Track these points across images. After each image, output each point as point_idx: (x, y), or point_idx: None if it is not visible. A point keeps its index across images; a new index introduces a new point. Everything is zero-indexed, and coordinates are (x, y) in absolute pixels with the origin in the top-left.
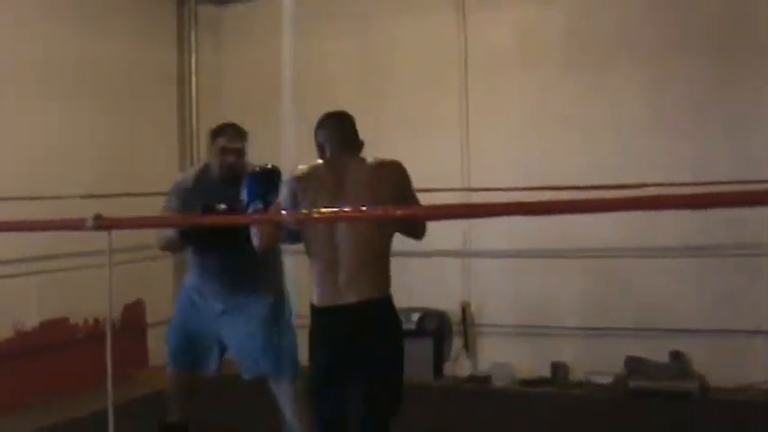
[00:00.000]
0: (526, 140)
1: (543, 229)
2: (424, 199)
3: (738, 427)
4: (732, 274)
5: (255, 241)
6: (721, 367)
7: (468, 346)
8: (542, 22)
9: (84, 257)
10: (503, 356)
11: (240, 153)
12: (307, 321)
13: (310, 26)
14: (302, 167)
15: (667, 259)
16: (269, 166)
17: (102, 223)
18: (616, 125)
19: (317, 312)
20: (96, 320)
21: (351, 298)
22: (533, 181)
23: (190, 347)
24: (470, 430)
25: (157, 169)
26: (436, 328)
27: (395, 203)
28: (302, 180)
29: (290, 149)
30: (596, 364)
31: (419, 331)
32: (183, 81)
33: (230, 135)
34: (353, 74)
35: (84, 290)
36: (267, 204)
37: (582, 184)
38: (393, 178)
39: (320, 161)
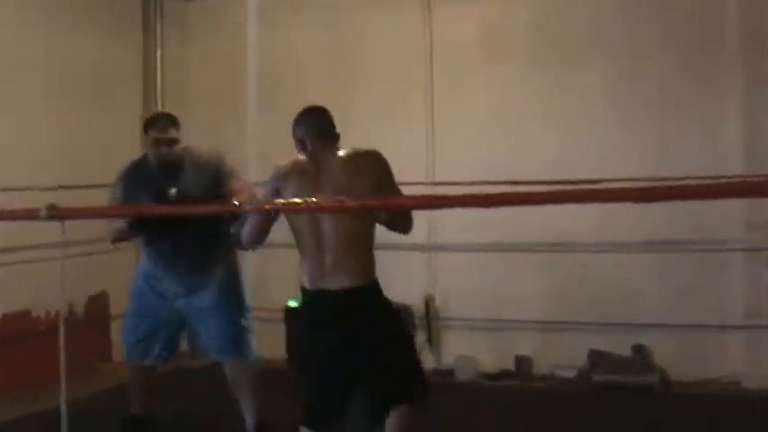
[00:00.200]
0: (490, 135)
1: (507, 224)
2: None
3: (699, 420)
4: (695, 268)
5: (246, 232)
6: (683, 361)
7: (432, 340)
8: (507, 17)
9: (46, 249)
10: (467, 350)
11: (172, 142)
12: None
13: (277, 19)
14: (284, 163)
15: (631, 254)
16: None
17: (55, 213)
18: (580, 121)
19: (307, 294)
20: (59, 313)
21: (336, 284)
22: (497, 176)
23: (145, 339)
24: (434, 424)
25: (122, 161)
26: None
27: (374, 194)
28: (284, 176)
29: (256, 142)
30: (560, 357)
31: None
32: (148, 75)
33: (161, 125)
34: (320, 67)
35: (47, 282)
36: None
37: (546, 179)
38: (372, 169)
39: (301, 156)
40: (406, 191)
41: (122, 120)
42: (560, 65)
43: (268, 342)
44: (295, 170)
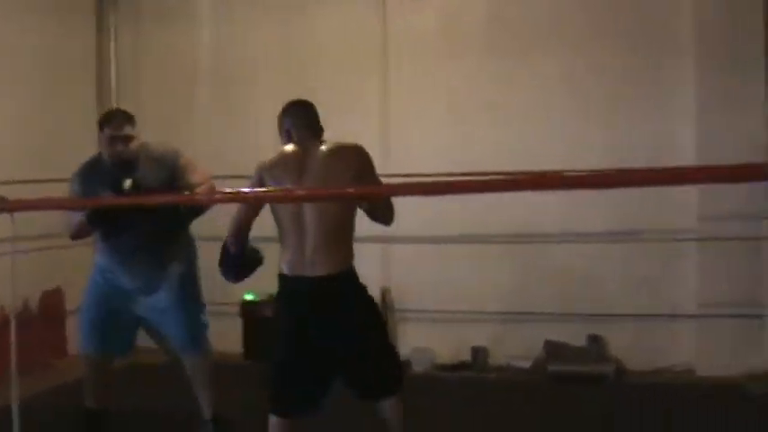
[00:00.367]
0: (447, 126)
1: (463, 214)
2: None
3: (653, 409)
4: (649, 259)
5: (229, 235)
6: (638, 351)
7: (388, 332)
8: (465, 7)
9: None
10: (423, 341)
11: (128, 140)
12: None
13: (231, 12)
14: (272, 156)
15: (585, 245)
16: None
17: (4, 206)
18: (537, 111)
19: (285, 280)
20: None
21: (316, 271)
22: (454, 167)
23: (102, 334)
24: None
25: (77, 155)
26: None
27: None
28: (269, 167)
29: (210, 135)
30: (516, 348)
31: None
32: (102, 67)
33: (117, 123)
34: (275, 60)
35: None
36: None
37: (503, 169)
38: (353, 162)
39: (286, 147)
40: None
41: (76, 113)
42: (517, 55)
43: (223, 336)
44: (280, 161)
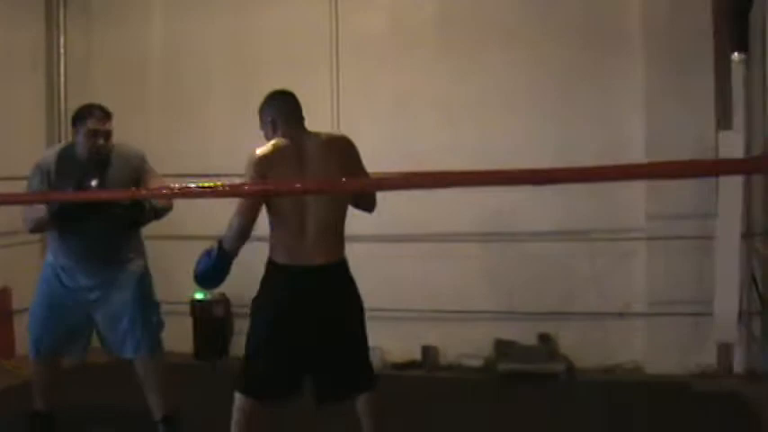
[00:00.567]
0: (397, 124)
1: (414, 214)
2: None
3: (604, 407)
4: (599, 258)
5: (234, 231)
6: (588, 349)
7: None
8: (416, 4)
9: None
10: (373, 340)
11: (109, 135)
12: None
13: (183, 8)
14: (263, 150)
15: (536, 243)
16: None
17: None
18: (488, 108)
19: (279, 269)
20: None
21: (315, 260)
22: (406, 165)
23: (55, 333)
24: (339, 415)
25: (23, 153)
26: None
27: (348, 176)
28: (269, 161)
29: (161, 132)
30: (466, 347)
31: None
32: (51, 63)
33: (99, 117)
34: (225, 58)
35: None
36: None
37: (455, 167)
38: (346, 153)
39: (279, 139)
40: None
41: (23, 110)
42: (467, 52)
43: (172, 335)
44: (277, 155)
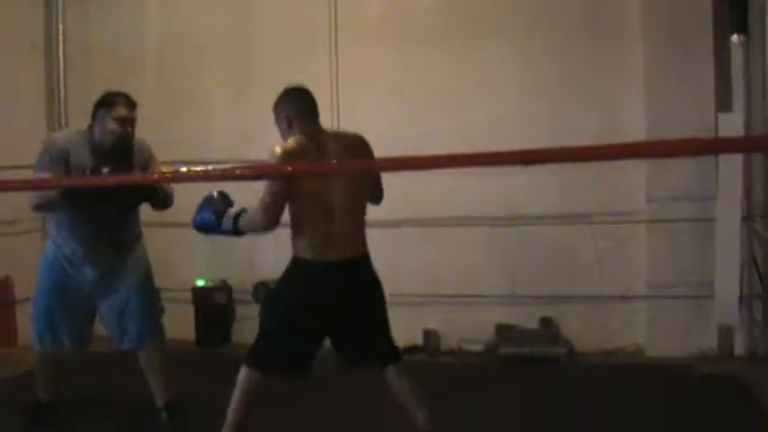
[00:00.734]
0: (394, 112)
1: (414, 198)
2: None
3: (604, 390)
4: (599, 241)
5: (260, 223)
6: (590, 332)
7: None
8: None
9: None
10: None
11: (134, 122)
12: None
13: None
14: (287, 146)
15: (537, 227)
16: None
17: None
18: (487, 94)
19: (307, 264)
20: None
21: (342, 253)
22: (404, 151)
23: (60, 327)
24: (342, 400)
25: (24, 141)
26: None
27: (368, 175)
28: (295, 158)
29: (158, 119)
30: (467, 331)
31: None
32: (49, 51)
33: (128, 105)
34: (223, 45)
35: None
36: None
37: (453, 152)
38: (364, 152)
39: (299, 137)
40: None
41: (23, 98)
42: (466, 38)
43: (174, 322)
44: (300, 152)
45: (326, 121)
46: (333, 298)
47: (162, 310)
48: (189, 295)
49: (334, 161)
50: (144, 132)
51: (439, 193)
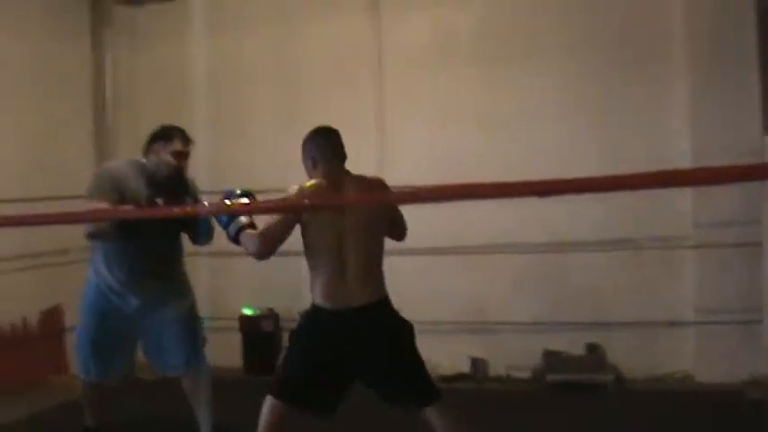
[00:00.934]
0: (442, 137)
1: (460, 227)
2: None
3: (652, 416)
4: (646, 266)
5: (254, 247)
6: (637, 358)
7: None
8: (457, 18)
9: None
10: (422, 353)
11: (188, 156)
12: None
13: (225, 27)
14: (304, 186)
15: (583, 253)
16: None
17: None
18: (532, 121)
19: (321, 312)
20: (13, 326)
21: (356, 301)
22: (449, 178)
23: (104, 356)
24: (391, 428)
25: (73, 171)
26: None
27: (385, 219)
28: (310, 194)
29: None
30: (514, 358)
31: None
32: (98, 82)
33: (184, 139)
34: (269, 74)
35: (4, 295)
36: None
37: (496, 179)
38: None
39: (320, 181)
40: None
41: (72, 129)
42: (509, 64)
43: (221, 350)
44: (318, 194)
45: (371, 149)
46: (350, 344)
47: (204, 340)
48: (236, 324)
49: (354, 210)
50: (191, 160)
51: (483, 221)
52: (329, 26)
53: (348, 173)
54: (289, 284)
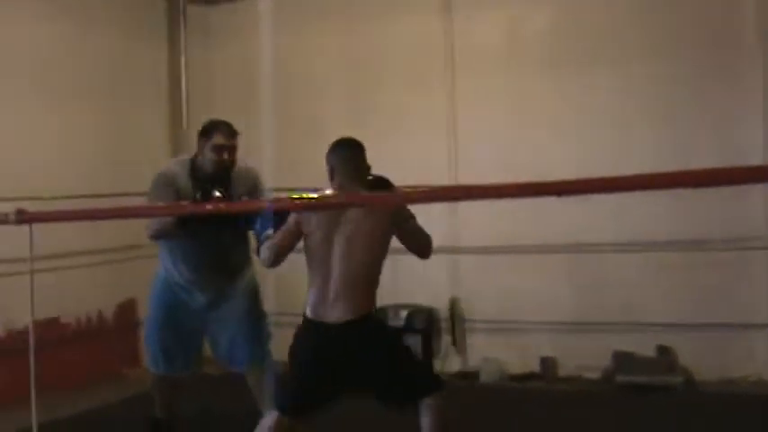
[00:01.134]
0: (512, 138)
1: (531, 225)
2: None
3: (723, 420)
4: (719, 268)
5: (264, 255)
6: (708, 361)
7: (457, 342)
8: (528, 18)
9: (74, 257)
10: (492, 352)
11: (234, 150)
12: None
13: (298, 25)
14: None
15: (654, 253)
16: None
17: (23, 218)
18: (603, 122)
19: (307, 322)
20: (89, 318)
21: (335, 316)
22: (520, 178)
23: (171, 350)
24: (459, 426)
25: (151, 170)
26: (425, 324)
27: (389, 235)
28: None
29: (278, 147)
30: (585, 358)
31: (408, 328)
32: (173, 81)
33: (227, 132)
34: (341, 73)
35: (76, 289)
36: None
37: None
38: (391, 211)
39: (327, 192)
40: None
41: (149, 128)
42: (579, 66)
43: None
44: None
45: (443, 149)
46: (339, 356)
47: (269, 335)
48: (301, 320)
49: (350, 219)
50: (265, 158)
51: (556, 220)
52: (401, 26)
53: (362, 184)
54: None
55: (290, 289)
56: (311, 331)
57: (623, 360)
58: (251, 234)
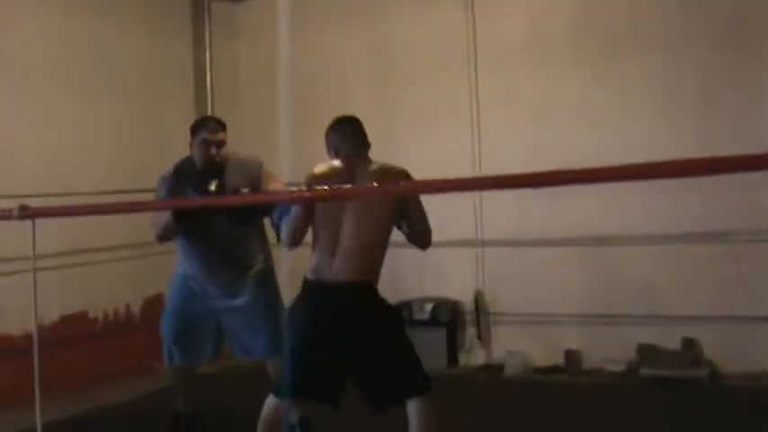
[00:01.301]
0: (535, 131)
1: (555, 218)
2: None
3: (748, 413)
4: (745, 259)
5: (284, 236)
6: (733, 354)
7: (482, 335)
8: (551, 11)
9: (101, 253)
10: (516, 345)
11: (221, 144)
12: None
13: (321, 21)
14: (320, 168)
15: (679, 245)
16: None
17: (26, 213)
18: (623, 113)
19: (307, 285)
20: (116, 313)
21: (338, 277)
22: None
23: (187, 340)
24: (484, 419)
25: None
26: (449, 317)
27: (399, 211)
28: (317, 180)
29: (303, 142)
30: (609, 351)
31: (432, 321)
32: (198, 77)
33: (212, 127)
34: (365, 67)
35: (104, 284)
36: None
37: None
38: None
39: (335, 163)
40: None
41: (174, 124)
42: (602, 58)
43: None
44: (329, 178)
45: (466, 141)
46: (337, 319)
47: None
48: None
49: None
50: (291, 153)
51: (579, 213)
52: (424, 19)
53: (370, 161)
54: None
55: None
56: (312, 292)
57: (647, 353)
58: (266, 225)
